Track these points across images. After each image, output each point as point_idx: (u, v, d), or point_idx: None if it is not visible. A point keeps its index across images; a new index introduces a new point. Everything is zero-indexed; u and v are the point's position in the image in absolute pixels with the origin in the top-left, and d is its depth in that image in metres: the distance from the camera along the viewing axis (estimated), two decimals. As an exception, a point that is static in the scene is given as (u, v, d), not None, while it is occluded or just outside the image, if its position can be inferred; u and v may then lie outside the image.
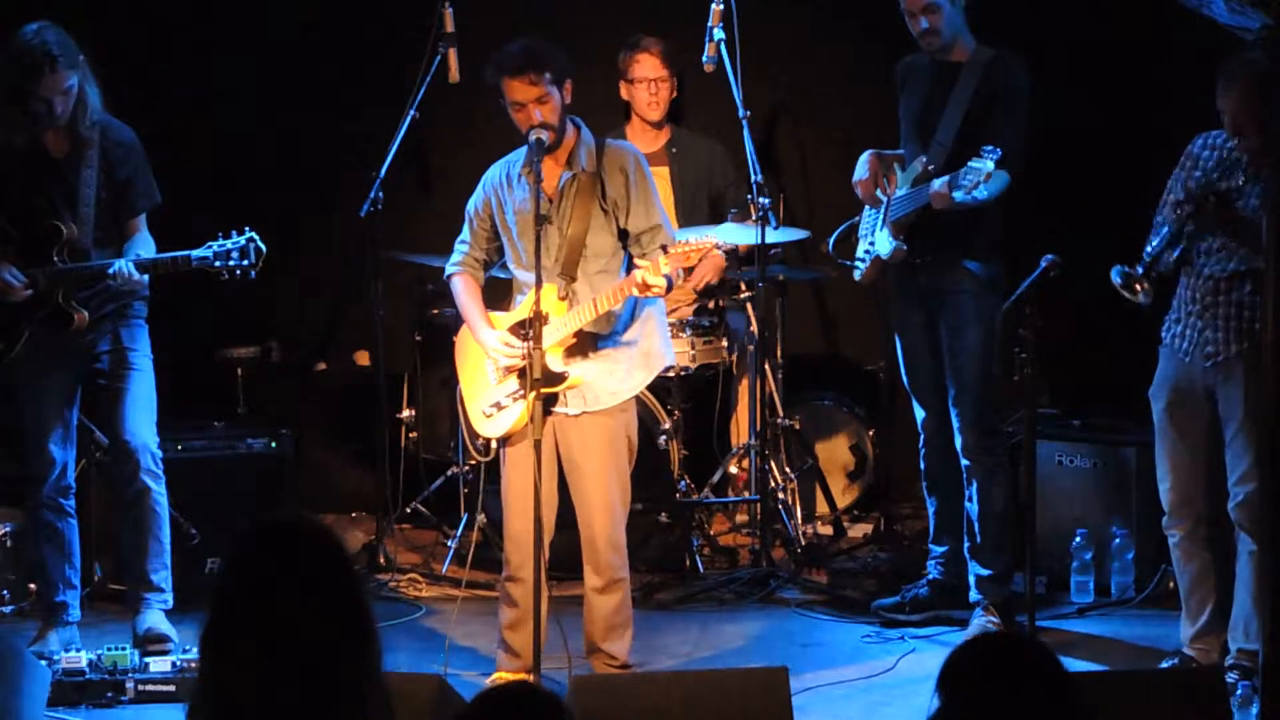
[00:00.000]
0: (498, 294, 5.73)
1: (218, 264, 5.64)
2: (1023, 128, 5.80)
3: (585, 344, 5.40)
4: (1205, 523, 5.46)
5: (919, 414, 6.18)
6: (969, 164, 5.53)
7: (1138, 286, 5.30)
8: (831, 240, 6.32)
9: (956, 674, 2.85)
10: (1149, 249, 5.35)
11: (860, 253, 6.14)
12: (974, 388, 5.93)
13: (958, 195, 5.59)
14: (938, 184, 5.67)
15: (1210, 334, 5.32)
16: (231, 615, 2.72)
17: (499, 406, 5.44)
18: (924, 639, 6.00)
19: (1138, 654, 5.90)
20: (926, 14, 5.80)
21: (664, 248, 5.27)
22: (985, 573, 6.01)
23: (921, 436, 6.20)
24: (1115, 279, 5.33)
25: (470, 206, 5.57)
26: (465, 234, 5.58)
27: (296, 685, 2.66)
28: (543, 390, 5.27)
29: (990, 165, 5.48)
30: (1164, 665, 5.56)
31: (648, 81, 7.16)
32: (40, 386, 5.83)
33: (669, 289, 5.29)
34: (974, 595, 6.05)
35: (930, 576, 6.22)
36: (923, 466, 6.25)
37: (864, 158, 6.07)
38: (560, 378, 5.33)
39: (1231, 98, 5.19)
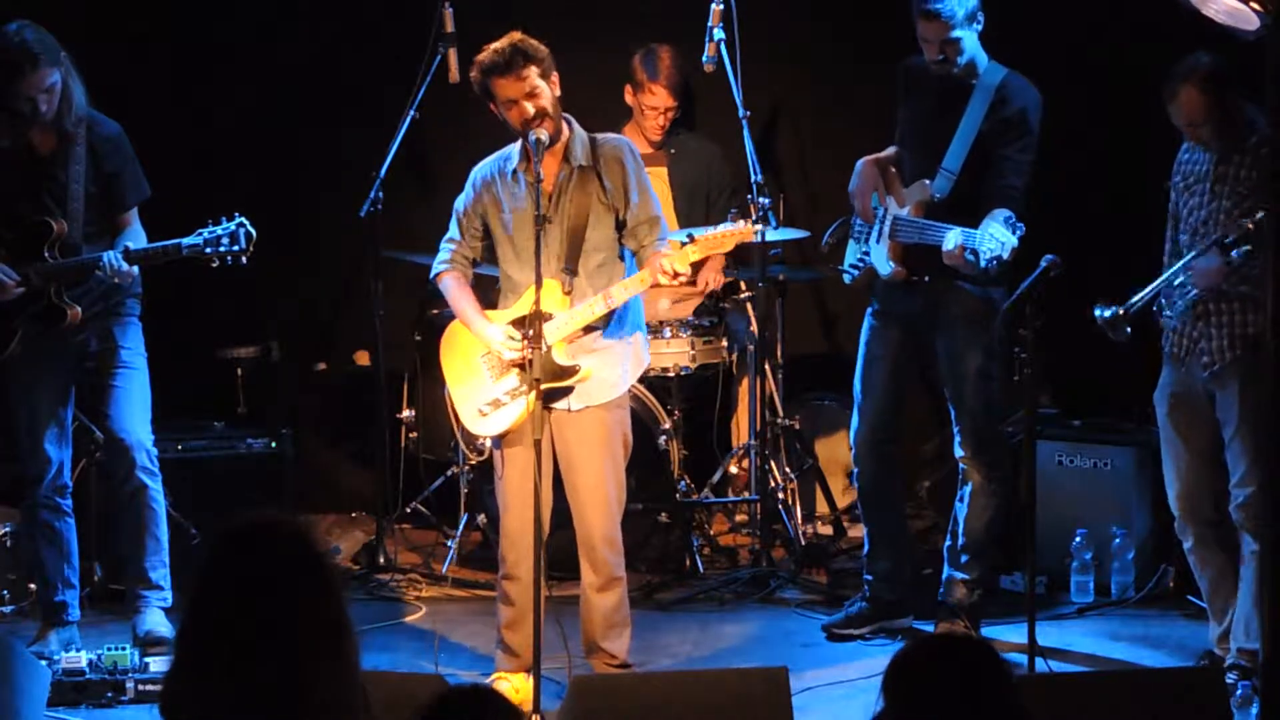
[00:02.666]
0: (478, 292, 5.67)
1: (208, 250, 5.64)
2: (1031, 159, 5.73)
3: (587, 337, 5.40)
4: (1214, 525, 5.46)
5: (853, 422, 6.10)
6: (992, 231, 5.39)
7: (1125, 327, 5.34)
8: (825, 237, 6.30)
9: (900, 675, 2.87)
10: (1150, 292, 5.39)
11: (855, 257, 6.09)
12: (974, 410, 5.89)
13: (971, 258, 5.48)
14: (952, 243, 5.51)
15: (1205, 343, 5.33)
16: (205, 615, 2.72)
17: (497, 404, 5.43)
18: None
19: (1138, 654, 5.91)
20: (946, 48, 5.67)
21: (690, 235, 5.28)
22: (959, 576, 6.00)
23: (853, 451, 6.13)
24: (1102, 315, 5.35)
25: (459, 204, 5.55)
26: (454, 232, 5.56)
27: (272, 685, 2.66)
28: (553, 384, 5.27)
29: (1015, 241, 5.37)
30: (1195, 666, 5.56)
31: (656, 110, 7.17)
32: (34, 385, 5.84)
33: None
34: (944, 594, 6.04)
35: (867, 594, 6.16)
36: (855, 485, 6.20)
37: (859, 166, 5.99)
38: (570, 371, 5.32)
39: (1177, 99, 5.25)
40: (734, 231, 5.25)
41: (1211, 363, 5.32)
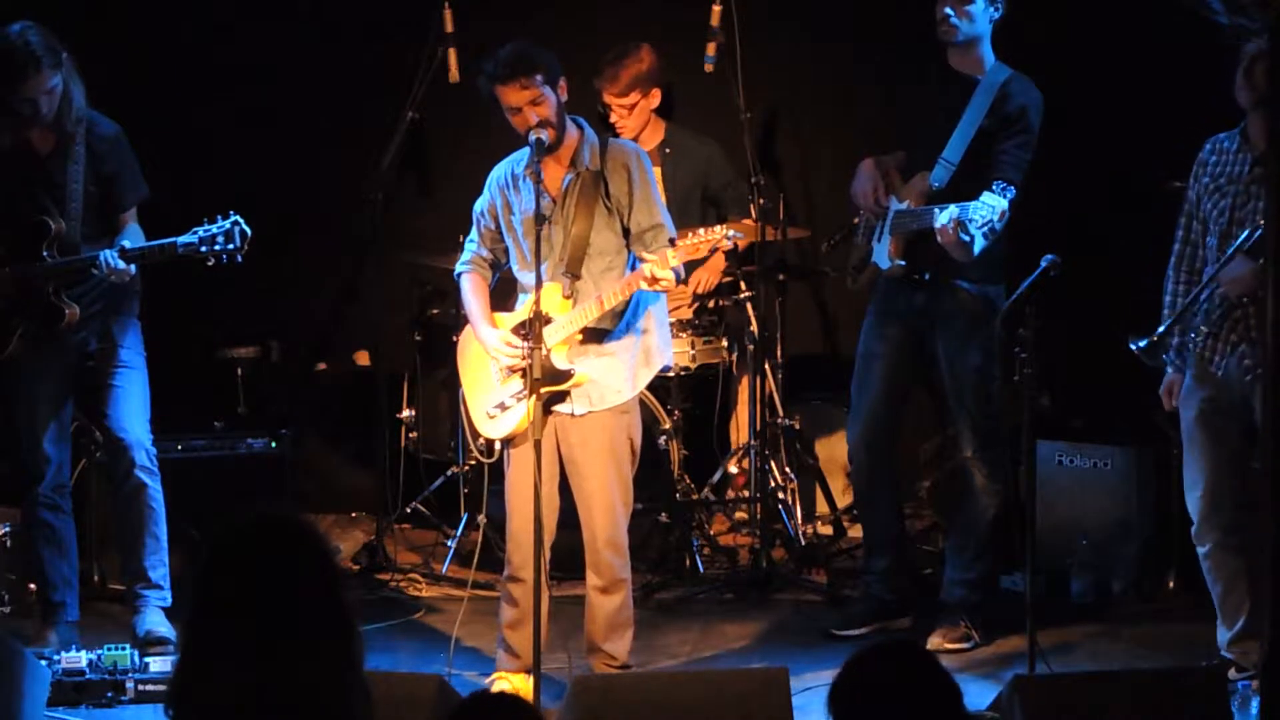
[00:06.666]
0: (499, 294, 5.70)
1: (204, 249, 5.63)
2: (1029, 158, 5.74)
3: (589, 341, 5.40)
4: (1236, 530, 5.38)
5: (849, 427, 6.13)
6: (982, 198, 5.42)
7: (1162, 353, 5.34)
8: (829, 241, 6.31)
9: (844, 690, 2.86)
10: (1166, 314, 5.37)
11: (857, 259, 6.11)
12: (974, 410, 5.91)
13: (965, 237, 5.48)
14: (944, 218, 5.53)
15: (1246, 347, 5.26)
16: (209, 613, 2.73)
17: (503, 407, 5.43)
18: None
19: (1138, 654, 5.90)
20: (956, 3, 5.71)
21: (671, 240, 5.28)
22: (960, 576, 6.01)
23: (849, 449, 6.15)
24: (1139, 346, 5.34)
25: (477, 207, 5.57)
26: (473, 234, 5.59)
27: (274, 682, 2.66)
28: (549, 388, 5.27)
29: (1004, 203, 5.39)
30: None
31: (613, 110, 7.15)
32: (34, 385, 5.84)
33: (677, 282, 5.29)
34: (945, 594, 6.05)
35: (866, 594, 6.19)
36: (853, 485, 6.20)
37: (862, 167, 6.02)
38: (566, 375, 5.32)
39: (1252, 73, 5.16)
40: (708, 240, 5.23)
41: (1254, 366, 5.25)
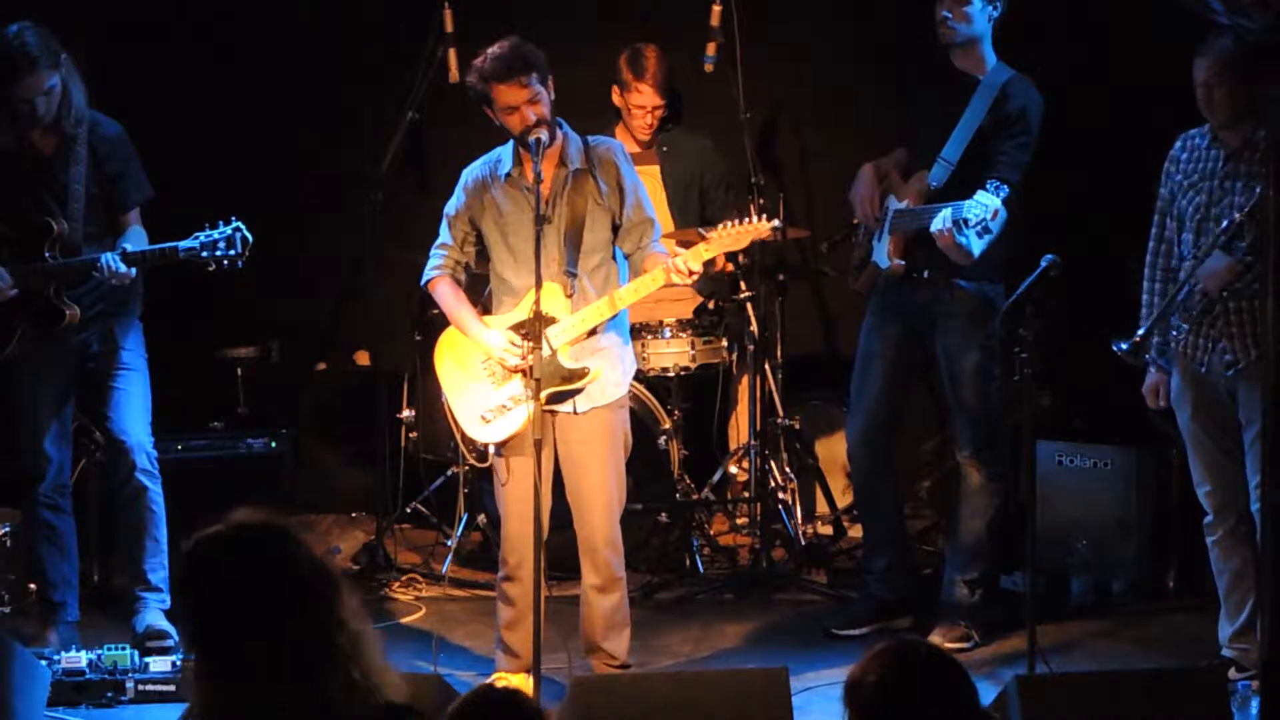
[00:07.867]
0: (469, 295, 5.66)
1: (205, 254, 5.64)
2: (1027, 159, 5.74)
3: (589, 339, 5.39)
4: (1248, 519, 5.36)
5: (849, 426, 6.14)
6: (977, 197, 5.44)
7: (1145, 354, 5.34)
8: (828, 242, 6.31)
9: (858, 688, 2.86)
10: (1145, 313, 5.39)
11: (857, 259, 6.11)
12: (974, 409, 5.91)
13: (962, 240, 5.48)
14: (939, 222, 5.55)
15: (1227, 342, 5.26)
16: (194, 622, 2.73)
17: (502, 410, 5.40)
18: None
19: (1138, 654, 5.90)
20: (953, 5, 5.73)
21: (701, 233, 5.28)
22: (960, 576, 6.01)
23: (848, 448, 6.17)
24: (1122, 348, 5.34)
25: (449, 208, 5.51)
26: (445, 237, 5.52)
27: (269, 686, 2.66)
28: (561, 388, 5.27)
29: (998, 201, 5.40)
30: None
31: (643, 110, 7.14)
32: (35, 385, 5.84)
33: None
34: (945, 594, 6.05)
35: (866, 593, 6.20)
36: (853, 485, 6.21)
37: (861, 172, 6.04)
38: (580, 373, 5.32)
39: (1202, 70, 5.19)
40: (749, 229, 5.24)
41: (1235, 361, 5.24)
